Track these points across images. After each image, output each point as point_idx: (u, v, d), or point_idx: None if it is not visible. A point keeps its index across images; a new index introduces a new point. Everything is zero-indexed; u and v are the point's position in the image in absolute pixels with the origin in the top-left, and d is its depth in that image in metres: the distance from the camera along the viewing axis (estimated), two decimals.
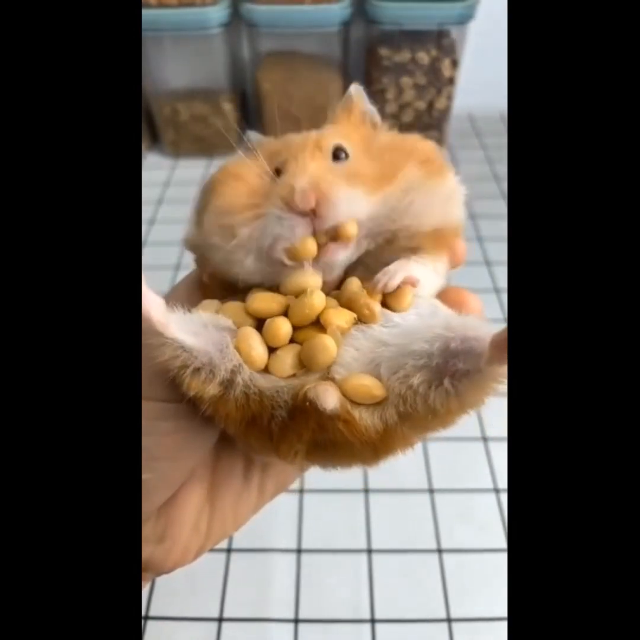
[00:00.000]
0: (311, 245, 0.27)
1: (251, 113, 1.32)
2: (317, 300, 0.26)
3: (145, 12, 1.03)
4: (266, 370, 0.27)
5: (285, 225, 0.26)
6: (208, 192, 0.31)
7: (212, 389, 0.25)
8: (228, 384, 0.26)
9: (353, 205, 0.27)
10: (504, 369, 0.24)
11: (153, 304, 0.24)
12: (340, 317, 0.26)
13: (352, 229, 0.27)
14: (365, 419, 0.26)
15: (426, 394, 0.25)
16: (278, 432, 0.26)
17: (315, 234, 0.27)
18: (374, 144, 0.30)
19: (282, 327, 0.26)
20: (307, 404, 0.25)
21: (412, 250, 0.29)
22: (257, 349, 0.26)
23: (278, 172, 0.29)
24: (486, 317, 0.29)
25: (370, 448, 0.27)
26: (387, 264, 0.28)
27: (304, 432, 0.26)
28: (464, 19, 1.07)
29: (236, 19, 1.11)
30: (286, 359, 0.26)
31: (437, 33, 1.09)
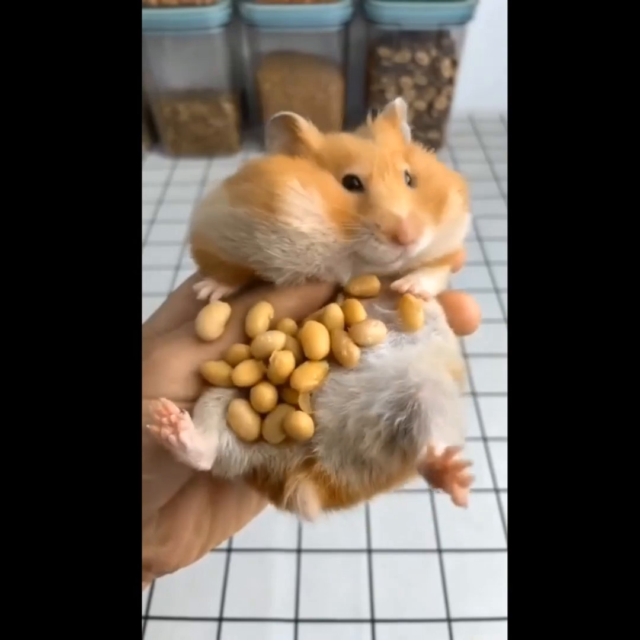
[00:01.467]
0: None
1: (251, 113, 1.32)
2: (283, 367, 0.26)
3: (145, 12, 1.03)
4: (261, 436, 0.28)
5: (380, 250, 0.27)
6: (263, 180, 0.28)
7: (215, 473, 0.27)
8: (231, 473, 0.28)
9: (428, 239, 0.28)
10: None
11: (202, 457, 0.26)
12: (308, 377, 0.26)
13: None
14: (354, 485, 0.27)
15: (386, 463, 0.26)
16: (272, 494, 0.28)
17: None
18: (419, 164, 0.30)
19: (266, 395, 0.27)
20: (291, 510, 0.26)
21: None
22: (246, 424, 0.27)
23: (350, 183, 0.28)
24: (475, 331, 0.30)
25: (359, 502, 0.28)
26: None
27: (292, 508, 0.27)
28: (464, 19, 1.07)
29: (236, 19, 1.11)
30: (276, 429, 0.27)
31: (437, 33, 1.09)
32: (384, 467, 0.27)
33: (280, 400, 0.27)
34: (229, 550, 0.63)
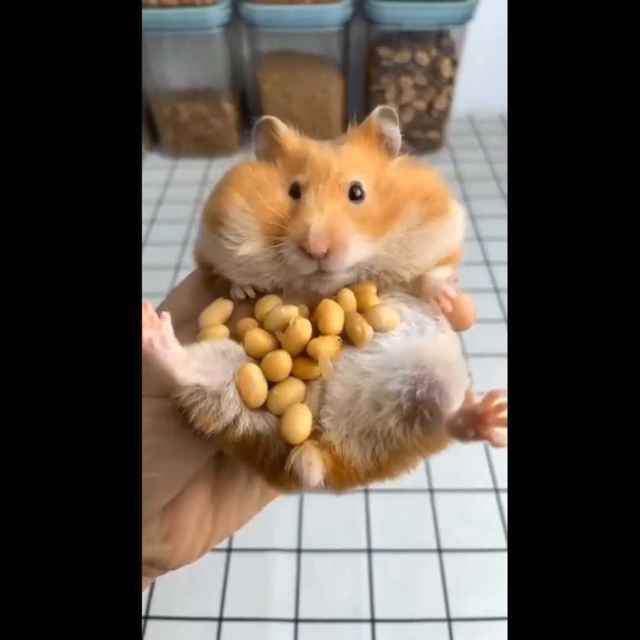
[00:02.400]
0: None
1: (251, 113, 1.32)
2: (303, 331, 0.27)
3: (145, 12, 1.02)
4: (265, 406, 0.28)
5: (294, 261, 0.28)
6: (220, 197, 0.30)
7: (215, 426, 0.27)
8: (231, 424, 0.27)
9: (358, 254, 0.28)
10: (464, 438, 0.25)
11: (177, 363, 0.26)
12: (326, 343, 0.27)
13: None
14: (356, 459, 0.27)
15: (403, 435, 0.26)
16: (270, 470, 0.28)
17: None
18: (384, 177, 0.30)
19: (283, 362, 0.27)
20: (293, 474, 0.26)
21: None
22: (255, 391, 0.27)
23: (295, 190, 0.29)
24: (471, 326, 0.30)
25: (365, 482, 0.28)
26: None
27: (293, 485, 0.27)
28: (464, 19, 1.07)
29: (236, 19, 1.11)
30: (282, 399, 0.27)
31: (437, 33, 1.09)
32: (401, 439, 0.26)
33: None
34: (229, 550, 0.63)
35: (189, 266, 0.33)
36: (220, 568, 0.61)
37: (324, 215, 0.27)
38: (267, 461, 0.28)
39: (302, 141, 0.32)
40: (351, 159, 0.30)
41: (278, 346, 0.28)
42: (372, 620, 0.58)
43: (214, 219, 0.30)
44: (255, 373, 0.27)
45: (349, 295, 0.28)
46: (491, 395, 0.22)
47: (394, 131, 0.32)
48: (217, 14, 1.06)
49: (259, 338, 0.28)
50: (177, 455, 0.30)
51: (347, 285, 0.29)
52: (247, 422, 0.27)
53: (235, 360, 0.28)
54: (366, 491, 0.68)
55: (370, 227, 0.28)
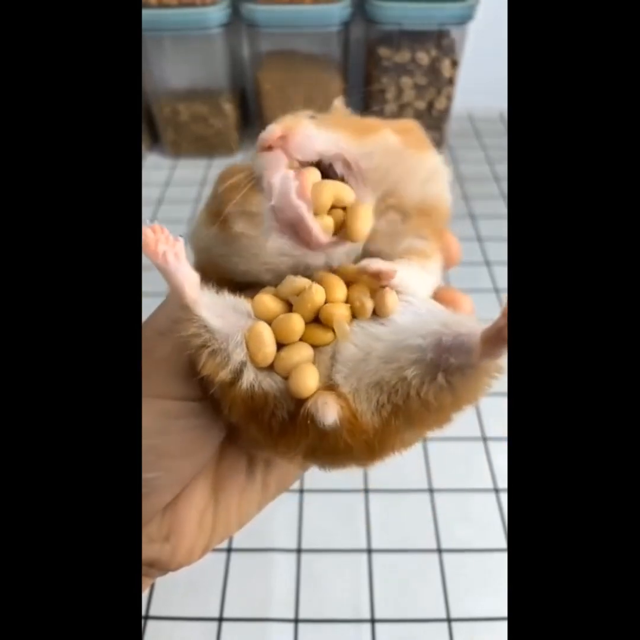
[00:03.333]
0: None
1: (251, 113, 1.32)
2: (318, 295, 0.26)
3: (145, 12, 1.02)
4: (272, 367, 0.27)
5: (263, 161, 0.27)
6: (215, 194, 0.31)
7: (223, 374, 0.26)
8: (238, 374, 0.26)
9: (324, 139, 0.28)
10: (496, 364, 0.24)
11: (188, 279, 0.25)
12: (340, 307, 0.27)
13: (362, 226, 0.27)
14: (365, 413, 0.26)
15: (420, 387, 0.25)
16: (278, 431, 0.27)
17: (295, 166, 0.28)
18: (358, 120, 0.31)
19: (296, 324, 0.26)
20: (308, 417, 0.25)
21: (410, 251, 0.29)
22: (264, 350, 0.26)
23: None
24: (479, 318, 0.30)
25: (368, 448, 0.27)
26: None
27: (302, 439, 0.26)
28: (464, 19, 1.07)
29: (236, 19, 1.11)
30: (289, 360, 0.26)
31: (437, 33, 1.09)
32: (416, 391, 0.25)
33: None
34: (229, 550, 0.63)
35: None
36: (220, 568, 0.61)
37: (288, 120, 0.28)
38: (275, 421, 0.27)
39: None
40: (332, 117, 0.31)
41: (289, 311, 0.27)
42: (372, 621, 0.58)
43: (213, 216, 0.30)
44: (265, 331, 0.26)
45: (350, 268, 0.28)
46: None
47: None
48: (217, 14, 1.06)
49: (267, 301, 0.27)
50: (183, 454, 0.30)
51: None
52: (251, 377, 0.26)
53: (245, 315, 0.27)
54: (366, 491, 0.68)
55: (340, 128, 0.28)
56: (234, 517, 0.36)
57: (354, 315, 0.27)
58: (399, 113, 1.18)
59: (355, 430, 0.26)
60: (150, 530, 0.32)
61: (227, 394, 0.27)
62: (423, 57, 1.11)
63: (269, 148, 0.27)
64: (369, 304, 0.27)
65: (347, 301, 0.27)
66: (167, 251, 0.25)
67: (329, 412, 0.25)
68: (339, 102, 0.33)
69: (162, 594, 0.59)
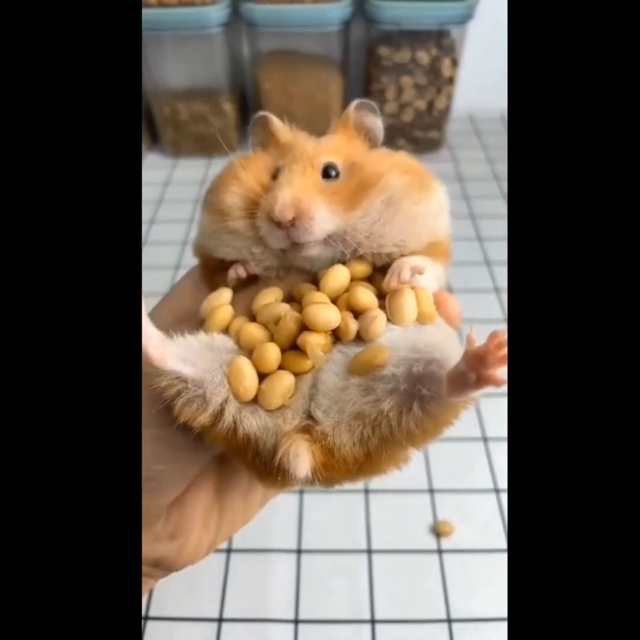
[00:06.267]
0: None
1: (251, 113, 1.32)
2: (292, 322, 0.27)
3: (145, 12, 1.02)
4: (256, 400, 0.27)
5: (266, 231, 0.29)
6: (214, 183, 0.33)
7: (202, 419, 0.26)
8: (218, 415, 0.27)
9: (325, 223, 0.28)
10: (469, 397, 0.24)
11: (151, 339, 0.25)
12: (315, 335, 0.27)
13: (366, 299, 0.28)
14: (345, 446, 0.26)
15: (399, 418, 0.26)
16: (262, 469, 0.27)
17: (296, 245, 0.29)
18: (361, 157, 0.31)
19: (270, 352, 0.27)
20: (281, 469, 0.26)
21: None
22: (245, 383, 0.27)
23: (276, 173, 0.31)
24: (480, 319, 0.30)
25: (354, 475, 0.27)
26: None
27: (285, 479, 0.27)
28: (464, 19, 1.07)
29: (236, 19, 1.11)
30: (273, 393, 0.27)
31: (437, 33, 1.09)
32: (393, 423, 0.26)
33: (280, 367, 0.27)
34: (229, 550, 0.63)
35: (188, 266, 0.33)
36: (220, 568, 0.61)
37: (292, 187, 0.28)
38: (258, 460, 0.27)
39: (294, 134, 0.34)
40: (328, 144, 0.32)
41: (271, 340, 0.28)
42: (372, 621, 0.57)
43: (207, 203, 0.32)
44: (245, 365, 0.27)
45: (330, 281, 0.28)
46: (493, 335, 0.22)
47: (375, 122, 0.33)
48: (217, 13, 1.05)
49: (253, 330, 0.28)
50: (184, 452, 0.30)
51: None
52: (234, 411, 0.27)
53: (223, 352, 0.28)
54: (366, 491, 0.68)
55: (342, 198, 0.29)
56: (239, 514, 0.36)
57: (338, 337, 0.28)
58: (399, 113, 1.18)
59: (333, 467, 0.26)
60: (156, 529, 0.32)
61: (209, 434, 0.27)
62: (423, 57, 1.11)
63: (278, 224, 0.28)
64: (353, 326, 0.27)
65: (334, 301, 0.28)
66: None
67: (300, 466, 0.25)
68: (353, 111, 0.33)
69: (162, 594, 0.59)
